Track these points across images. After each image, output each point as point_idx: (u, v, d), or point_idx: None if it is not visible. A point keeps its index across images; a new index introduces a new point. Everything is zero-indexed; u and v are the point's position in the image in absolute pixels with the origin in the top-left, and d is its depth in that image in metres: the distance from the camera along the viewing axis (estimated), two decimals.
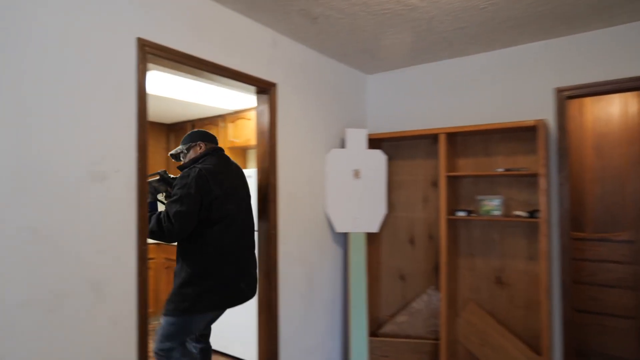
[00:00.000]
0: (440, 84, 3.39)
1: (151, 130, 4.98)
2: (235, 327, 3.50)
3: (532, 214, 2.76)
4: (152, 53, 2.08)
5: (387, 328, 3.37)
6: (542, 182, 2.62)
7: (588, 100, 3.74)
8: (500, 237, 3.05)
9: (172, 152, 2.46)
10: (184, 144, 2.42)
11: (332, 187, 3.22)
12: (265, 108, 2.79)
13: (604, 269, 3.61)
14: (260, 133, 2.81)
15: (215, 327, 3.82)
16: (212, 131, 4.63)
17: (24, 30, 1.63)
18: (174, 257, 4.41)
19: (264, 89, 2.75)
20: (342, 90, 3.48)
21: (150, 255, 4.52)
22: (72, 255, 1.75)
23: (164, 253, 4.54)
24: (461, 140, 3.25)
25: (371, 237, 3.47)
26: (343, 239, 3.36)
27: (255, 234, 2.45)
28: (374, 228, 3.24)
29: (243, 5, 2.46)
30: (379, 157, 3.29)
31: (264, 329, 2.73)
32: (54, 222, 1.70)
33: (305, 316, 3.00)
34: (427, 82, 3.46)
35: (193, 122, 4.87)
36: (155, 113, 4.64)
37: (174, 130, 5.12)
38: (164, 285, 4.52)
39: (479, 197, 3.02)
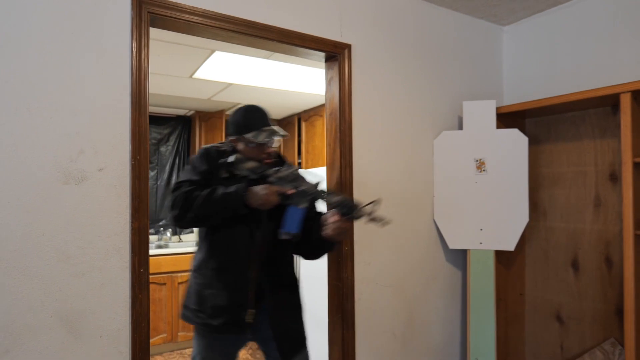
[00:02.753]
0: (623, 16, 2.13)
1: None
2: None
3: None
4: (154, 12, 1.57)
5: None
6: None
7: None
8: None
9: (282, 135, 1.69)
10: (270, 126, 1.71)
11: (442, 186, 2.30)
12: (334, 79, 2.06)
13: None
14: (329, 115, 2.09)
15: None
16: (318, 122, 4.10)
17: None
18: None
19: (333, 53, 2.02)
20: (461, 50, 2.50)
21: None
22: (36, 280, 1.34)
23: None
24: None
25: (506, 258, 2.41)
26: (461, 259, 2.39)
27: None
28: (509, 245, 2.19)
29: None
30: (516, 140, 2.23)
31: None
32: (11, 237, 1.31)
33: None
34: (599, 17, 2.22)
35: (299, 115, 4.41)
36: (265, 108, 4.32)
37: (283, 125, 4.76)
38: None
39: None
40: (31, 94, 1.35)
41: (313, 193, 1.57)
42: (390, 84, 2.20)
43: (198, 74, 3.01)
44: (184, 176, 1.59)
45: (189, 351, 3.77)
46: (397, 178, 2.20)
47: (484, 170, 2.26)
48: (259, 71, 3.01)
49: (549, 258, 2.40)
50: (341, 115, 2.02)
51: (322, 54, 2.04)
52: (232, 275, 1.58)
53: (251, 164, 1.62)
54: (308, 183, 1.59)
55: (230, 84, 3.31)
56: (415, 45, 2.30)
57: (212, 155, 1.64)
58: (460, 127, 2.40)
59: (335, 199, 1.54)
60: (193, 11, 1.64)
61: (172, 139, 4.30)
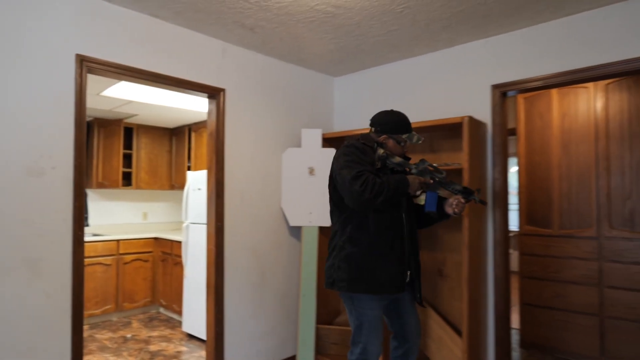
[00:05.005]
0: (395, 83, 3.52)
1: (156, 135, 5.45)
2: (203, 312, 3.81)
3: None
4: (91, 67, 2.42)
5: (342, 317, 3.53)
6: (465, 176, 2.69)
7: (555, 96, 3.70)
8: (443, 231, 3.13)
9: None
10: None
11: (287, 184, 3.44)
12: (213, 111, 3.07)
13: (569, 265, 3.56)
14: (209, 134, 3.09)
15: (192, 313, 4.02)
16: (205, 134, 4.99)
17: None
18: (169, 251, 4.82)
19: (213, 94, 3.03)
20: (305, 93, 3.70)
21: (148, 249, 4.96)
22: (11, 237, 2.11)
23: (161, 247, 4.95)
24: None
25: (329, 231, 3.63)
26: (298, 232, 3.57)
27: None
28: (327, 222, 3.41)
29: (183, 20, 2.76)
30: (332, 155, 3.46)
31: (211, 312, 3.00)
32: None
33: (256, 303, 3.23)
34: (384, 82, 3.59)
35: (190, 126, 5.27)
36: (159, 119, 5.08)
37: (175, 134, 5.56)
38: (160, 276, 4.93)
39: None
40: (8, 123, 2.12)
41: (444, 183, 2.08)
42: (253, 115, 3.28)
43: (105, 93, 3.75)
44: (356, 167, 1.91)
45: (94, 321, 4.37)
46: (257, 178, 3.28)
47: (313, 174, 3.45)
48: (156, 92, 3.85)
49: None
50: (217, 135, 3.04)
51: (206, 94, 3.03)
52: (398, 249, 2.04)
53: (398, 159, 2.07)
54: (438, 175, 2.07)
55: (131, 101, 4.08)
56: (272, 88, 3.42)
57: (368, 150, 2.02)
58: (300, 146, 3.58)
59: (458, 187, 2.09)
60: (117, 65, 2.52)
61: None
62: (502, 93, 2.90)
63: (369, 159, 1.98)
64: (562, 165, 3.64)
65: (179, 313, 4.59)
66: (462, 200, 2.08)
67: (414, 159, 2.27)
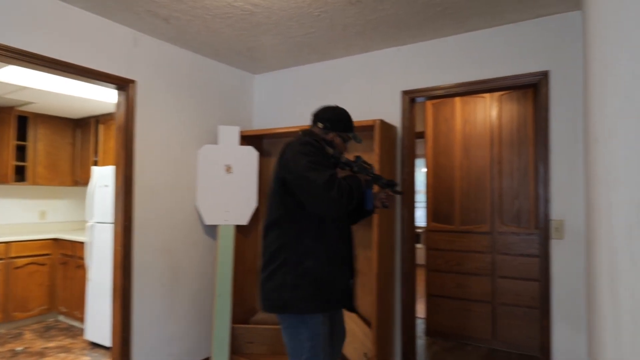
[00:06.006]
0: (314, 84, 3.59)
1: (57, 126, 4.97)
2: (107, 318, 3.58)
3: None
4: None
5: (259, 316, 3.53)
6: None
7: (458, 103, 4.04)
8: (356, 228, 3.25)
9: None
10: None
11: (203, 181, 3.35)
12: (122, 104, 2.89)
13: (469, 258, 3.91)
14: (118, 128, 2.90)
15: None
16: (114, 126, 4.66)
17: None
18: (71, 252, 4.43)
19: (122, 85, 2.85)
20: (223, 89, 3.62)
21: (46, 251, 4.52)
22: None
23: (61, 249, 4.54)
24: None
25: (245, 230, 3.61)
26: (214, 231, 3.49)
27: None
28: (244, 221, 3.39)
29: (91, 4, 2.56)
30: (250, 153, 3.44)
31: (117, 317, 2.83)
32: None
33: (168, 305, 3.11)
34: (303, 82, 3.65)
35: (97, 117, 4.89)
36: (61, 108, 4.63)
37: (80, 125, 5.12)
38: (60, 281, 4.52)
39: None
40: None
41: (375, 178, 1.99)
42: (167, 109, 3.14)
43: None
44: (324, 169, 1.72)
45: None
46: (170, 175, 3.15)
47: (230, 172, 3.40)
48: (58, 79, 3.52)
49: None
50: (126, 129, 2.86)
51: (114, 85, 2.84)
52: (346, 257, 1.93)
53: (344, 158, 1.97)
54: (371, 172, 1.99)
55: (25, 87, 3.68)
56: (188, 82, 3.31)
57: (322, 148, 1.87)
58: (217, 143, 3.51)
59: (384, 180, 2.01)
60: (7, 48, 2.26)
61: None
62: (411, 99, 3.10)
63: (326, 160, 1.83)
64: (463, 167, 3.99)
65: (81, 320, 4.24)
66: (391, 193, 2.04)
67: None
